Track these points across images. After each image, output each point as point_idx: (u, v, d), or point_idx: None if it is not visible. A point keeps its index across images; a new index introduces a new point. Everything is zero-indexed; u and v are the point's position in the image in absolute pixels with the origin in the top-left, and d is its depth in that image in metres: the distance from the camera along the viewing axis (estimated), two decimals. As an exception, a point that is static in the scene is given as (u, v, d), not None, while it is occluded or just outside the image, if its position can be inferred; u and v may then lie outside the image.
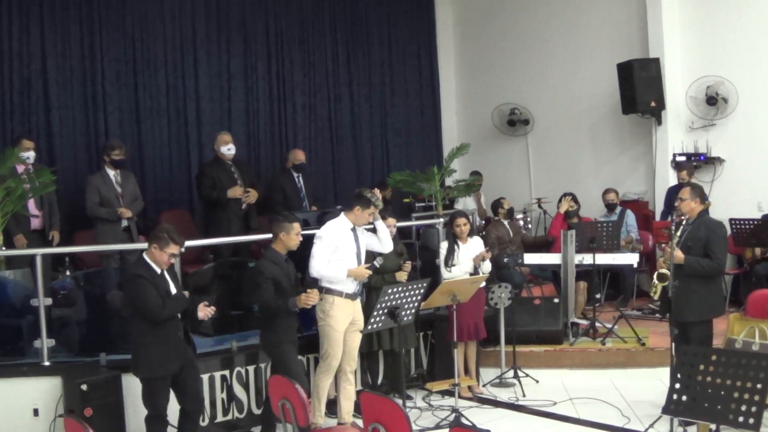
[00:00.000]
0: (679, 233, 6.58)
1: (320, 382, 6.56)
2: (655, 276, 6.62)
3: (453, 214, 7.93)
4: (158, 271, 5.65)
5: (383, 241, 6.86)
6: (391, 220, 7.43)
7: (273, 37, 11.18)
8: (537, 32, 12.21)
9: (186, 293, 5.85)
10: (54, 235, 8.04)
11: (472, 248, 7.72)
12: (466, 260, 7.64)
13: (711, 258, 6.48)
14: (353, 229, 6.75)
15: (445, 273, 7.62)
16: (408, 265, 7.42)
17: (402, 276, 7.27)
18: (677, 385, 4.33)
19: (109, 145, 8.44)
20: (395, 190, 11.25)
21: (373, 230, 6.92)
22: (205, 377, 6.62)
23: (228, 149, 8.88)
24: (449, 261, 7.62)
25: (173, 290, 5.75)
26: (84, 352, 6.85)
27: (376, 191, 6.86)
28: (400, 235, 9.55)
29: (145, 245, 7.91)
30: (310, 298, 6.11)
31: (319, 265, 6.50)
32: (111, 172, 8.25)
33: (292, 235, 6.33)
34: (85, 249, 8.26)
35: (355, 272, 6.57)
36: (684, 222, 6.67)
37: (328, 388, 6.70)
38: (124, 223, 8.19)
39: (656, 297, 6.73)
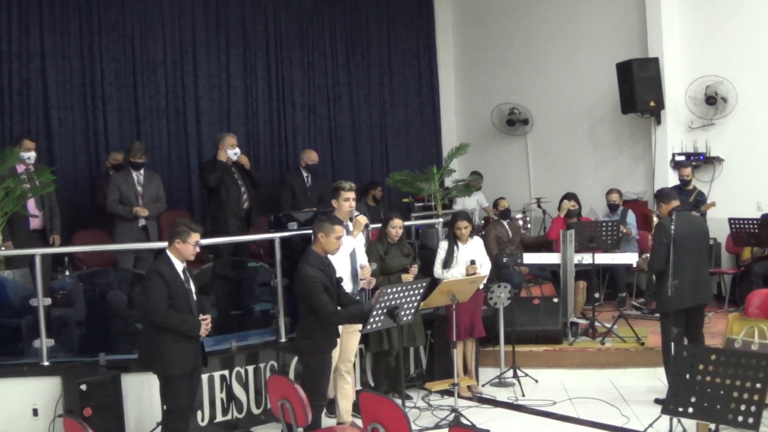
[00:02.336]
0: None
1: None
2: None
3: (455, 215, 7.89)
4: (180, 268, 5.68)
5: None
6: (398, 221, 7.41)
7: (272, 37, 11.19)
8: (536, 32, 12.22)
9: (203, 318, 5.73)
10: (55, 239, 8.06)
11: (471, 248, 7.71)
12: (464, 261, 7.64)
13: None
14: (345, 226, 6.73)
15: (437, 273, 7.59)
16: (414, 269, 7.42)
17: (408, 278, 7.25)
18: (677, 385, 4.33)
19: (129, 147, 8.58)
20: (394, 190, 11.26)
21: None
22: (204, 377, 6.61)
23: (234, 153, 8.81)
24: (449, 262, 7.61)
25: (193, 288, 5.77)
26: (83, 352, 6.86)
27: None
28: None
29: (145, 245, 8.06)
30: None
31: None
32: (134, 172, 8.35)
33: (332, 238, 5.97)
34: (84, 249, 8.26)
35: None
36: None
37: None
38: (142, 222, 8.26)
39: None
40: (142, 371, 6.19)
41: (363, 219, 6.91)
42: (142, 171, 8.42)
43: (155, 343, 5.59)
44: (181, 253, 5.69)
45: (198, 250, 5.80)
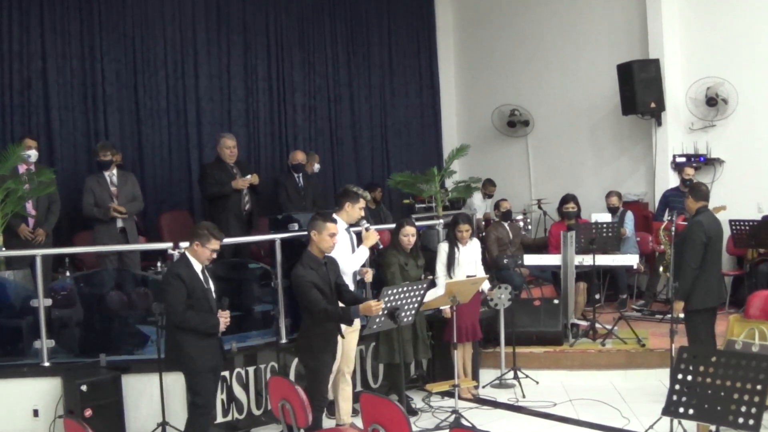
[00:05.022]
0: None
1: None
2: (660, 267, 6.84)
3: (456, 218, 7.84)
4: (198, 268, 5.76)
5: (350, 261, 6.65)
6: (409, 229, 7.24)
7: (273, 37, 11.20)
8: (537, 33, 12.23)
9: (221, 315, 5.80)
10: (38, 233, 7.79)
11: (471, 250, 7.73)
12: (465, 263, 7.65)
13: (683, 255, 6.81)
14: (347, 229, 6.73)
15: (441, 278, 7.58)
16: (430, 280, 7.38)
17: None
18: (677, 386, 4.33)
19: (95, 147, 8.52)
20: (395, 191, 11.27)
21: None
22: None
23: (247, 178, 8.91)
24: (452, 265, 7.62)
25: (212, 287, 5.85)
26: (84, 353, 6.85)
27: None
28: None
29: (146, 246, 8.07)
30: (380, 306, 5.78)
31: (346, 260, 6.49)
32: (106, 173, 8.25)
33: (324, 236, 5.94)
34: (84, 250, 8.25)
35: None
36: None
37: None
38: (120, 223, 8.18)
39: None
40: (147, 372, 6.34)
41: (375, 235, 6.77)
42: (114, 171, 8.30)
43: (178, 342, 5.68)
44: (198, 256, 5.76)
45: (214, 256, 5.85)
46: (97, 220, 8.14)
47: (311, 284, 5.81)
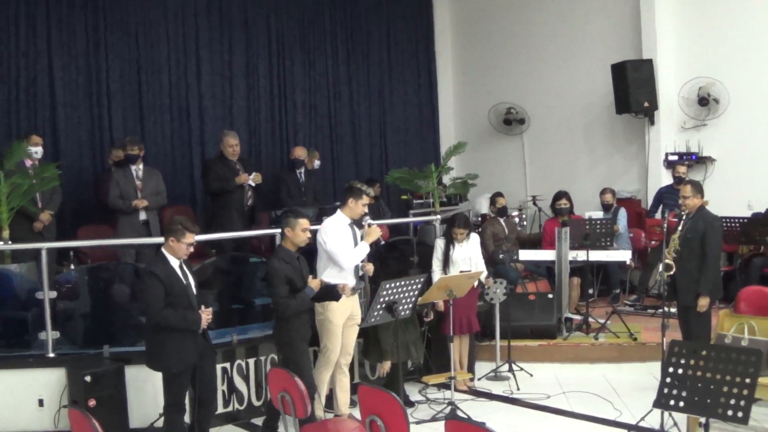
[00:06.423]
0: (680, 227, 6.97)
1: (320, 376, 6.57)
2: (661, 266, 6.96)
3: (453, 219, 7.87)
4: (176, 264, 5.67)
5: (351, 256, 6.69)
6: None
7: (274, 36, 11.31)
8: (533, 33, 12.33)
9: (203, 312, 5.73)
10: (45, 214, 7.89)
11: (467, 247, 7.80)
12: (461, 260, 7.73)
13: (706, 251, 6.83)
14: (351, 225, 6.83)
15: (435, 274, 7.67)
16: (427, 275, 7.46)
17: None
18: (668, 379, 4.37)
19: (123, 142, 8.65)
20: (393, 187, 11.37)
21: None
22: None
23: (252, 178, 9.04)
24: (447, 263, 7.72)
25: (192, 282, 5.77)
26: (88, 345, 6.94)
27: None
28: (397, 232, 9.63)
29: (149, 240, 8.15)
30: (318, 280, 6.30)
31: (346, 255, 6.58)
32: (133, 167, 8.40)
33: (298, 231, 6.21)
34: (88, 243, 8.35)
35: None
36: (684, 217, 7.00)
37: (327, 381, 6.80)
38: (143, 216, 8.32)
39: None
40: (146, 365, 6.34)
41: (377, 231, 6.81)
42: (141, 166, 8.44)
43: (157, 341, 5.63)
44: (174, 252, 5.66)
45: (191, 250, 5.74)
46: (121, 211, 8.29)
47: (283, 278, 6.07)
